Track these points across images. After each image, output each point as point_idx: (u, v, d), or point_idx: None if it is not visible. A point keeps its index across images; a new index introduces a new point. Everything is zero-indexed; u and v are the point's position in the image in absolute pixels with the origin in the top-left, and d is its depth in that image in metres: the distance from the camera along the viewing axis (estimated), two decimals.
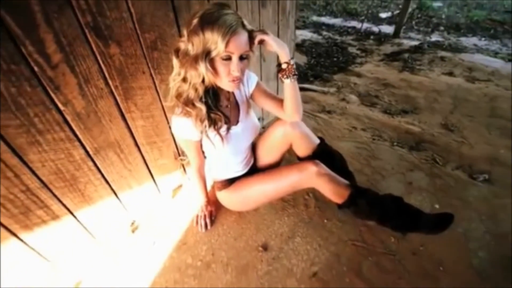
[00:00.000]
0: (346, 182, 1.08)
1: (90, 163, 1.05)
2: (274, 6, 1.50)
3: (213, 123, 0.96)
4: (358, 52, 3.40)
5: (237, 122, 1.07)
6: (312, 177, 1.06)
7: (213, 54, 0.80)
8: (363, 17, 4.71)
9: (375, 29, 4.22)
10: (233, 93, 1.05)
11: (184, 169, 1.45)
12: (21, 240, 0.97)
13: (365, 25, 4.42)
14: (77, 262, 1.15)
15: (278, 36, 1.62)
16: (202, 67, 0.81)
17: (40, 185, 0.93)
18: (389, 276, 1.08)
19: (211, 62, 0.82)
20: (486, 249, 1.16)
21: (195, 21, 0.78)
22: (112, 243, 1.23)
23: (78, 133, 0.96)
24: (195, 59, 0.81)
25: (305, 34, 4.18)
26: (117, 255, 1.20)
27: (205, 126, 0.95)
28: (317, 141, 1.17)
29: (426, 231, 1.05)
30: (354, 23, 4.65)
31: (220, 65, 0.83)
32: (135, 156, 1.19)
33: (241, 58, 0.84)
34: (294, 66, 0.95)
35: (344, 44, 3.66)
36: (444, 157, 1.62)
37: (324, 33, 4.24)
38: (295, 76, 0.95)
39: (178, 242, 1.24)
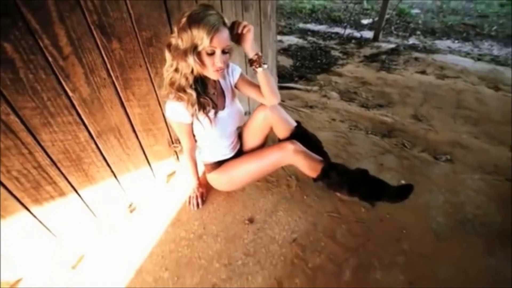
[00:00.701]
0: (319, 158, 1.25)
1: (93, 145, 1.18)
2: (256, 10, 1.68)
3: (202, 107, 1.12)
4: (340, 54, 3.63)
5: (224, 107, 1.23)
6: (290, 154, 1.22)
7: (200, 48, 0.96)
8: (346, 24, 4.99)
9: (356, 34, 4.49)
10: (219, 82, 1.21)
11: (177, 157, 1.59)
12: (32, 213, 1.09)
13: (348, 30, 4.69)
14: (80, 237, 1.27)
15: (261, 37, 1.80)
16: (191, 59, 0.98)
17: (50, 162, 1.06)
18: (359, 239, 1.23)
19: (198, 55, 0.98)
20: (444, 215, 1.32)
21: (183, 20, 0.94)
22: (112, 221, 1.36)
23: (83, 117, 1.10)
24: (185, 53, 0.97)
25: (292, 40, 4.41)
26: (117, 231, 1.33)
27: (195, 110, 1.10)
28: (294, 124, 1.33)
29: (390, 200, 1.21)
30: (337, 29, 4.92)
31: (205, 58, 0.99)
32: (133, 142, 1.33)
33: (224, 52, 1.00)
34: (263, 57, 1.12)
35: (327, 48, 3.90)
36: (412, 142, 1.80)
37: (309, 38, 4.49)
38: (265, 65, 1.12)
39: (173, 219, 1.37)
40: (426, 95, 2.42)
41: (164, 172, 1.56)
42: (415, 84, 2.62)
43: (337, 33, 4.68)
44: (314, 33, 4.79)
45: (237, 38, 1.06)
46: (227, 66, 1.21)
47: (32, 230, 1.12)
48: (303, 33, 4.81)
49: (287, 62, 3.48)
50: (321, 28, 5.14)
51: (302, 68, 3.27)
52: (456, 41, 4.22)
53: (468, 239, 1.22)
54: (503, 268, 1.11)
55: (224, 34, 0.97)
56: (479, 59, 3.33)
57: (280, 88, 2.61)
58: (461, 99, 2.35)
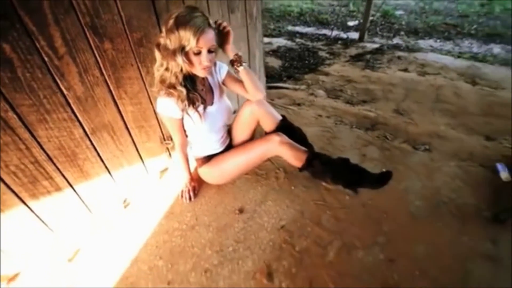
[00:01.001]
0: (304, 148, 1.32)
1: (88, 142, 1.24)
2: (242, 12, 1.76)
3: (191, 102, 1.19)
4: (327, 55, 3.75)
5: (212, 103, 1.30)
6: (276, 145, 1.29)
7: (187, 48, 1.03)
8: (332, 26, 5.13)
9: (343, 35, 4.62)
10: (207, 79, 1.28)
11: (170, 153, 1.65)
12: (29, 207, 1.14)
13: (335, 32, 4.83)
14: (76, 231, 1.31)
15: (247, 38, 1.89)
16: (179, 59, 1.05)
17: (46, 158, 1.12)
18: (343, 223, 1.31)
19: (186, 55, 1.06)
20: (422, 199, 1.42)
21: (171, 21, 1.01)
22: (107, 216, 1.41)
23: (78, 114, 1.15)
24: (174, 53, 1.05)
25: (280, 42, 4.52)
26: (112, 225, 1.37)
27: (185, 105, 1.17)
28: (280, 117, 1.41)
29: (371, 186, 1.29)
30: (325, 31, 5.05)
31: (193, 57, 1.06)
32: (126, 138, 1.39)
33: (210, 51, 1.08)
34: (242, 57, 1.21)
35: (315, 49, 4.01)
36: (393, 135, 1.90)
37: (298, 40, 4.60)
38: (244, 64, 1.20)
39: (166, 212, 1.43)
40: (408, 91, 2.54)
41: (157, 168, 1.62)
42: (398, 81, 2.74)
43: (324, 35, 4.81)
44: (302, 35, 4.91)
45: (219, 41, 1.13)
46: (214, 64, 1.28)
47: (29, 224, 1.17)
48: (291, 35, 4.93)
49: (276, 63, 3.58)
50: (309, 30, 5.27)
51: (290, 68, 3.36)
52: (438, 40, 4.39)
53: (444, 220, 1.31)
54: (474, 245, 1.20)
55: (210, 34, 1.04)
56: (459, 57, 3.48)
57: (269, 88, 2.69)
58: (440, 93, 2.47)
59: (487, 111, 2.20)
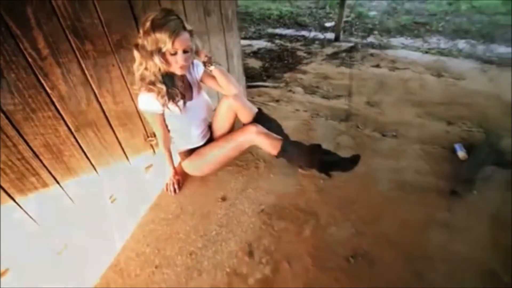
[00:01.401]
0: (279, 137, 1.43)
1: (73, 139, 1.30)
2: (218, 15, 1.87)
3: (171, 97, 1.27)
4: (305, 54, 3.91)
5: (191, 98, 1.39)
6: (253, 135, 1.39)
7: (163, 50, 1.12)
8: (310, 27, 5.34)
9: (320, 36, 4.82)
10: (185, 76, 1.37)
11: (154, 150, 1.72)
12: (17, 203, 1.19)
13: (313, 33, 5.02)
14: (63, 226, 1.36)
15: (224, 39, 1.99)
16: (157, 59, 1.14)
17: (33, 155, 1.17)
18: (318, 204, 1.42)
19: (163, 55, 1.15)
20: (388, 179, 1.55)
21: (147, 24, 1.10)
22: (94, 211, 1.46)
23: (62, 112, 1.22)
24: (151, 53, 1.13)
25: (261, 43, 4.66)
26: (99, 219, 1.43)
27: (165, 100, 1.26)
28: (256, 110, 1.51)
29: (342, 168, 1.42)
30: (303, 32, 5.24)
31: (169, 57, 1.15)
32: (110, 136, 1.45)
33: (185, 51, 1.17)
34: (213, 58, 1.33)
35: (293, 49, 4.17)
36: (365, 124, 2.05)
37: (277, 41, 4.76)
38: (215, 63, 1.33)
39: (152, 204, 1.50)
40: (379, 85, 2.71)
41: (141, 164, 1.69)
42: (370, 76, 2.92)
43: (303, 36, 4.99)
44: (281, 36, 5.08)
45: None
46: (192, 62, 1.38)
47: (17, 219, 1.21)
48: (271, 37, 5.09)
49: (256, 64, 3.71)
50: (288, 32, 5.45)
51: (270, 68, 3.50)
52: (409, 38, 4.65)
53: (408, 196, 1.45)
54: (433, 215, 1.34)
55: (184, 37, 1.14)
56: (426, 52, 3.72)
57: (249, 87, 2.80)
58: (408, 86, 2.65)
59: (449, 99, 2.39)
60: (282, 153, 1.41)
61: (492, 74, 2.83)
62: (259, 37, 5.17)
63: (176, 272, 1.16)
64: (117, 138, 1.49)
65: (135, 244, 1.29)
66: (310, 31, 5.09)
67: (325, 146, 1.42)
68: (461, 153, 1.66)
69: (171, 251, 1.24)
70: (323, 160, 1.40)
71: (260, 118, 1.50)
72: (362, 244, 1.23)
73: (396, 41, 4.47)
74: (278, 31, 5.57)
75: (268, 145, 1.40)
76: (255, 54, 4.08)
